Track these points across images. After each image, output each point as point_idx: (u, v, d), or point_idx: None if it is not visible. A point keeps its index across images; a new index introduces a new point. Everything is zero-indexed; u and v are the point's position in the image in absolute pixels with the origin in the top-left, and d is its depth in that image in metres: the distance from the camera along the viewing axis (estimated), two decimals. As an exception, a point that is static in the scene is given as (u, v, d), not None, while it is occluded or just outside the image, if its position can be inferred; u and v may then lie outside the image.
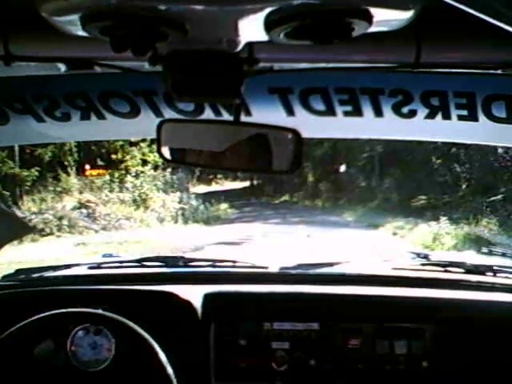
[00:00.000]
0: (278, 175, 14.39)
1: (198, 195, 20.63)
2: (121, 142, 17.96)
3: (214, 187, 26.90)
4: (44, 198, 17.02)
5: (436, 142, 13.56)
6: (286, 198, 25.18)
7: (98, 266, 2.56)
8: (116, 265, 2.60)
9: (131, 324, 2.04)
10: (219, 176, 27.82)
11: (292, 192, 25.07)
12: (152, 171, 18.61)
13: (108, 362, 2.07)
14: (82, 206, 16.42)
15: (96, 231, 15.24)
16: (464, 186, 16.66)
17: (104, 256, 2.99)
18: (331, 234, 14.23)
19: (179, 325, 2.19)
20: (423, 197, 17.46)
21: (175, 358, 2.01)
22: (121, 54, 1.07)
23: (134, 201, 17.74)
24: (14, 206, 14.97)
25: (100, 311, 2.08)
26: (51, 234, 14.64)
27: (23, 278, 2.49)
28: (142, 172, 18.50)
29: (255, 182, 27.61)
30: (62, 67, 1.46)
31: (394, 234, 15.38)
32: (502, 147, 11.80)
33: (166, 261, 2.63)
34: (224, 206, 21.37)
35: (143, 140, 16.49)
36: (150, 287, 2.33)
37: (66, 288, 2.37)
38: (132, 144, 18.26)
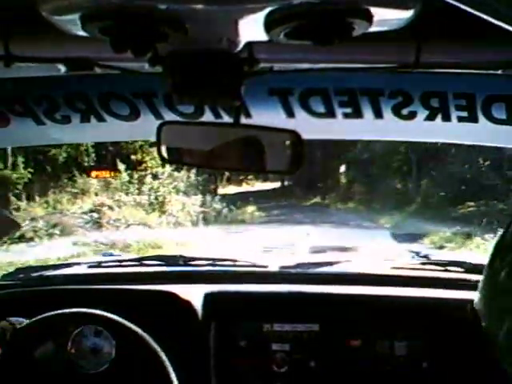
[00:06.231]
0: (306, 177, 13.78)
1: (223, 196, 19.86)
2: (140, 143, 17.23)
3: (245, 188, 26.29)
4: (59, 200, 16.77)
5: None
6: (316, 199, 23.94)
7: (98, 265, 2.57)
8: (116, 264, 2.60)
9: (131, 325, 2.03)
10: (250, 177, 27.35)
11: (323, 194, 23.80)
12: (175, 172, 17.43)
13: (108, 363, 2.05)
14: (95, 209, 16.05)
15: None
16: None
17: (104, 255, 2.99)
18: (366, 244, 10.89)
19: (179, 325, 2.19)
20: (471, 203, 14.85)
21: (175, 359, 2.01)
22: (121, 54, 1.07)
23: (151, 204, 16.99)
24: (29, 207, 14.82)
25: (100, 312, 2.08)
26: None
27: (23, 277, 2.49)
28: (163, 173, 17.41)
29: (286, 183, 26.87)
30: (62, 68, 1.46)
31: (441, 247, 12.24)
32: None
33: (166, 260, 2.64)
34: (251, 208, 20.50)
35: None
36: (150, 287, 2.33)
37: (66, 288, 2.37)
38: (152, 145, 17.28)
